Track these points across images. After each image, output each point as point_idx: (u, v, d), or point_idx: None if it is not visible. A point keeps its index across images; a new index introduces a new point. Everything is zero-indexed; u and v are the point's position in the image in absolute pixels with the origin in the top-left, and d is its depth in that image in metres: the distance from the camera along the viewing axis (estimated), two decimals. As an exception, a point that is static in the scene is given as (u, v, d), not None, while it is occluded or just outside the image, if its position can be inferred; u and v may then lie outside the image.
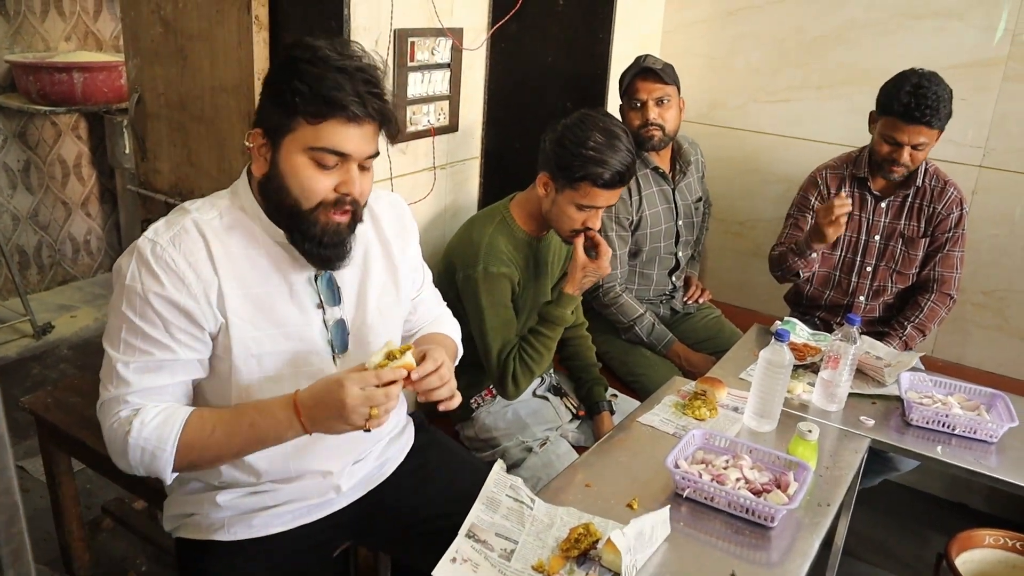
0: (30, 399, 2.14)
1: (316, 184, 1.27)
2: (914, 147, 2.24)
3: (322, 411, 1.23)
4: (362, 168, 1.31)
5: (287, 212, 1.29)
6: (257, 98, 1.92)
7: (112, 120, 3.92)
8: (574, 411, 2.26)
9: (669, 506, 1.42)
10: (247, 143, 1.32)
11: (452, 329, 1.71)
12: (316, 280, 1.38)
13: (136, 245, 1.27)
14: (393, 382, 1.23)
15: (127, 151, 3.88)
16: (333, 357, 1.42)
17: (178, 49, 2.06)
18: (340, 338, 1.42)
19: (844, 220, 2.15)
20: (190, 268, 1.26)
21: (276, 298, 1.35)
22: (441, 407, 1.36)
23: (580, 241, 1.96)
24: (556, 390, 2.29)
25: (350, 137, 1.25)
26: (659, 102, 2.40)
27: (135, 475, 1.32)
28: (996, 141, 2.67)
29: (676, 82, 2.44)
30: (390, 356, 1.28)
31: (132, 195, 3.67)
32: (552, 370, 2.34)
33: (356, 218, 1.34)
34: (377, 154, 1.33)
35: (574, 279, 1.97)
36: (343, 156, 1.27)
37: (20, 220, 3.98)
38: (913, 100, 2.16)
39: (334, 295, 1.41)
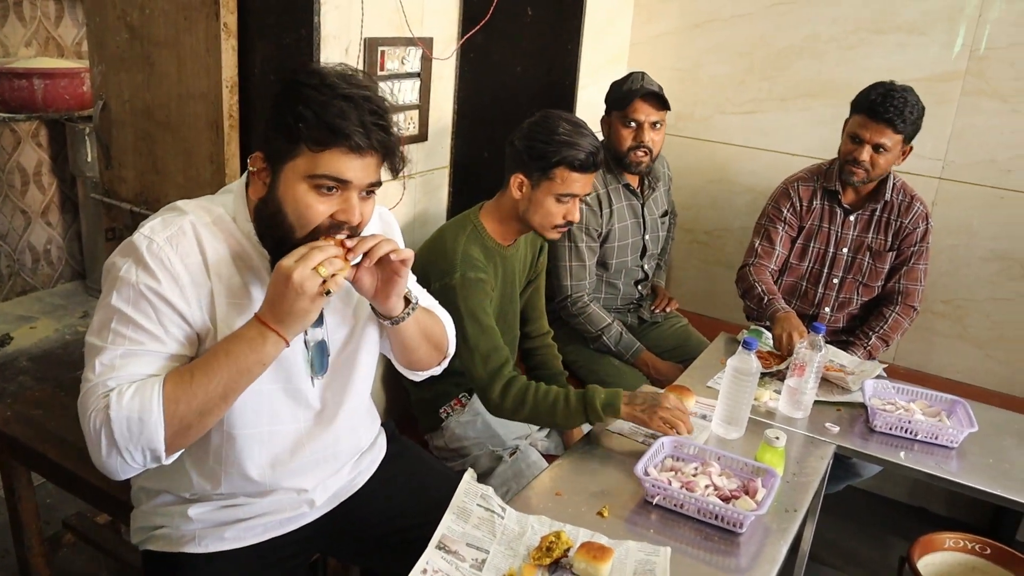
0: (-12, 412, 2.09)
1: (313, 211, 1.23)
2: (875, 148, 2.28)
3: (280, 304, 1.19)
4: (364, 195, 1.28)
5: (279, 238, 1.26)
6: (227, 106, 1.92)
7: (74, 128, 3.86)
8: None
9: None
10: (251, 167, 1.29)
11: (445, 317, 1.66)
12: None
13: (131, 241, 1.25)
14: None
15: (89, 159, 3.82)
16: (311, 378, 1.40)
17: (145, 56, 2.03)
18: (320, 360, 1.40)
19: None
20: (185, 270, 1.24)
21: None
22: (394, 256, 1.30)
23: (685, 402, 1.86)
24: None
25: (352, 167, 1.22)
26: (654, 126, 2.44)
27: (115, 479, 1.25)
28: (955, 154, 2.74)
29: (669, 107, 2.48)
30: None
31: (95, 204, 3.62)
32: None
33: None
34: (379, 183, 1.29)
35: (634, 409, 1.78)
36: (343, 183, 1.23)
37: (-22, 229, 3.90)
38: (880, 98, 2.24)
39: (318, 317, 1.37)
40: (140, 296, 1.22)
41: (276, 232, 1.26)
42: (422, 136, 2.32)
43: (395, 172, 1.31)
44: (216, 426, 1.32)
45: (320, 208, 1.24)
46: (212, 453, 1.36)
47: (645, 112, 2.41)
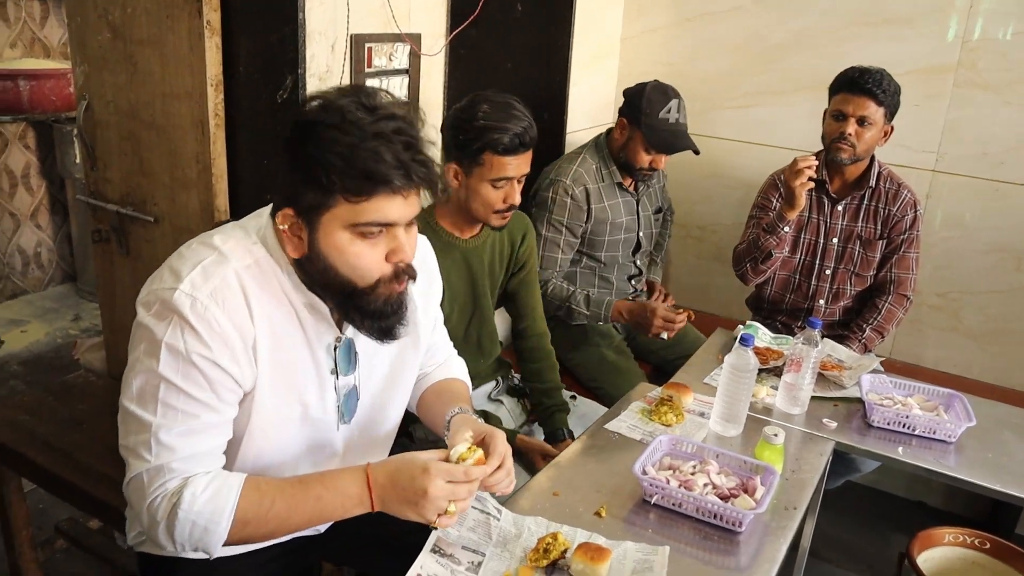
0: (-25, 417, 2.06)
1: (368, 261, 1.16)
2: (859, 122, 2.30)
3: (397, 494, 1.16)
4: (407, 225, 1.20)
5: (339, 290, 1.19)
6: (212, 105, 1.89)
7: (61, 129, 3.82)
8: (528, 413, 2.24)
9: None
10: (280, 225, 1.17)
11: (460, 370, 1.66)
12: (336, 348, 1.30)
13: (172, 301, 1.13)
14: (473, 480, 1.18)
15: (78, 160, 3.78)
16: (337, 424, 1.36)
17: (127, 55, 2.00)
18: (349, 405, 1.36)
19: (812, 175, 2.21)
20: (234, 329, 1.16)
21: (298, 365, 1.27)
22: (499, 494, 1.33)
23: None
24: (514, 391, 2.27)
25: (395, 207, 1.14)
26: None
27: (139, 535, 1.25)
28: (948, 146, 2.73)
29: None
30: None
31: (83, 205, 3.59)
32: (512, 371, 2.31)
33: (412, 280, 1.25)
34: (422, 210, 1.23)
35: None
36: (390, 225, 1.16)
37: (-35, 232, 3.87)
38: (858, 73, 2.29)
39: (351, 362, 1.33)
40: (191, 365, 1.13)
41: (333, 285, 1.19)
42: (412, 134, 2.29)
43: (436, 198, 1.24)
44: (241, 468, 1.28)
45: (375, 257, 1.17)
46: None
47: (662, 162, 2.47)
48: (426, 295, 1.47)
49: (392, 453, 1.66)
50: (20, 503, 2.12)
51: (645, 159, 2.44)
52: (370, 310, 1.21)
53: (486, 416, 2.08)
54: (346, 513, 1.20)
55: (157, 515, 1.14)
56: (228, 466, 1.27)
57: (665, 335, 2.37)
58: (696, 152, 2.44)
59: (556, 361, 2.26)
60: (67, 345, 3.72)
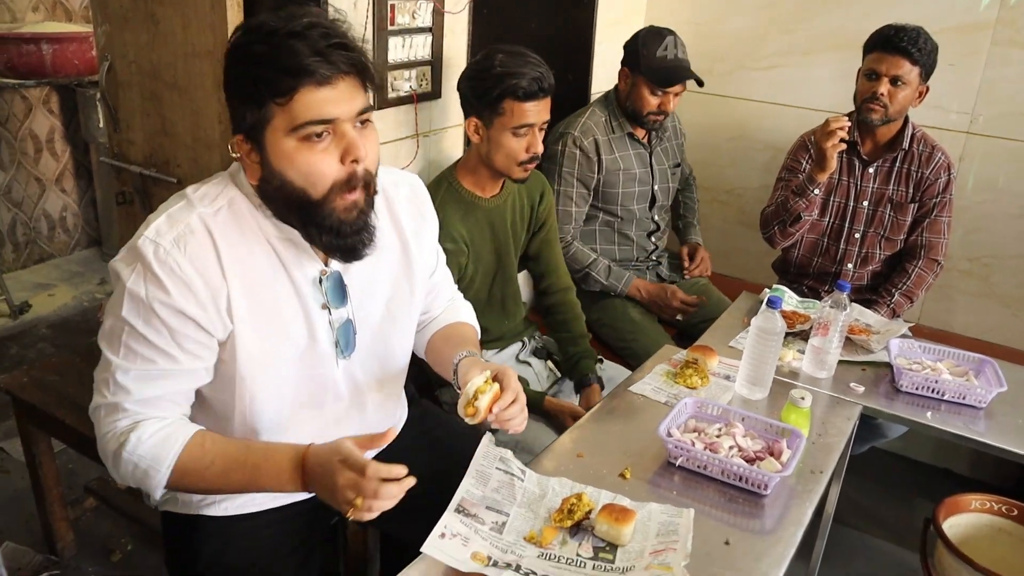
0: (5, 378, 2.09)
1: (318, 166, 1.14)
2: (892, 82, 2.24)
3: (319, 481, 1.16)
4: (360, 126, 1.18)
5: (297, 206, 1.17)
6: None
7: (84, 93, 3.82)
8: (557, 375, 2.24)
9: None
10: (233, 154, 1.19)
11: (468, 314, 1.66)
12: (322, 282, 1.29)
13: (136, 247, 1.16)
14: (393, 480, 1.12)
15: (101, 124, 3.79)
16: (336, 358, 1.35)
17: (148, 15, 1.98)
18: (346, 338, 1.35)
19: (844, 136, 2.17)
20: (197, 275, 1.16)
21: (282, 302, 1.27)
22: (511, 432, 1.32)
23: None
24: (540, 352, 2.27)
25: (328, 100, 1.12)
26: (678, 94, 2.45)
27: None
28: (984, 107, 2.66)
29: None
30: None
31: (107, 169, 3.60)
32: (537, 332, 2.32)
33: (371, 191, 1.22)
34: (370, 107, 1.18)
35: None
36: (330, 122, 1.13)
37: (-8, 197, 3.90)
38: (894, 31, 2.22)
39: (341, 295, 1.32)
40: (151, 312, 1.15)
41: (291, 202, 1.18)
42: (435, 94, 2.27)
43: (372, 86, 1.20)
44: (240, 414, 1.30)
45: (326, 161, 1.15)
46: (237, 436, 1.33)
47: (675, 88, 2.42)
48: (417, 232, 1.45)
49: (420, 418, 1.67)
50: (50, 463, 2.16)
51: (652, 102, 2.42)
52: (328, 225, 1.19)
53: None
54: (280, 487, 1.20)
55: (107, 449, 1.21)
56: (227, 411, 1.29)
57: (680, 317, 2.50)
58: (700, 83, 2.44)
59: (582, 313, 2.29)
60: (93, 308, 3.77)
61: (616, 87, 2.54)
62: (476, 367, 1.33)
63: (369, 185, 1.21)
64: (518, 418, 1.30)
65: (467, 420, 1.27)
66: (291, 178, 1.15)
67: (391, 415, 1.52)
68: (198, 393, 1.30)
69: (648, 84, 2.40)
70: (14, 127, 3.91)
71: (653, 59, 2.38)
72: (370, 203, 1.23)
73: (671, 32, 2.42)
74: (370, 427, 1.44)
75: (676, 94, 2.44)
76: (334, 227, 1.19)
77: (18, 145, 3.94)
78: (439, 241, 1.84)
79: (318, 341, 1.31)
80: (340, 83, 1.13)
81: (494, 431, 1.37)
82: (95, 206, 4.35)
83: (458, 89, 1.96)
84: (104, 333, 1.21)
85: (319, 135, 1.14)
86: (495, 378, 1.30)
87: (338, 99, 1.13)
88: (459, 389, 1.34)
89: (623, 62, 2.48)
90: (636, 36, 2.44)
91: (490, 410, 1.27)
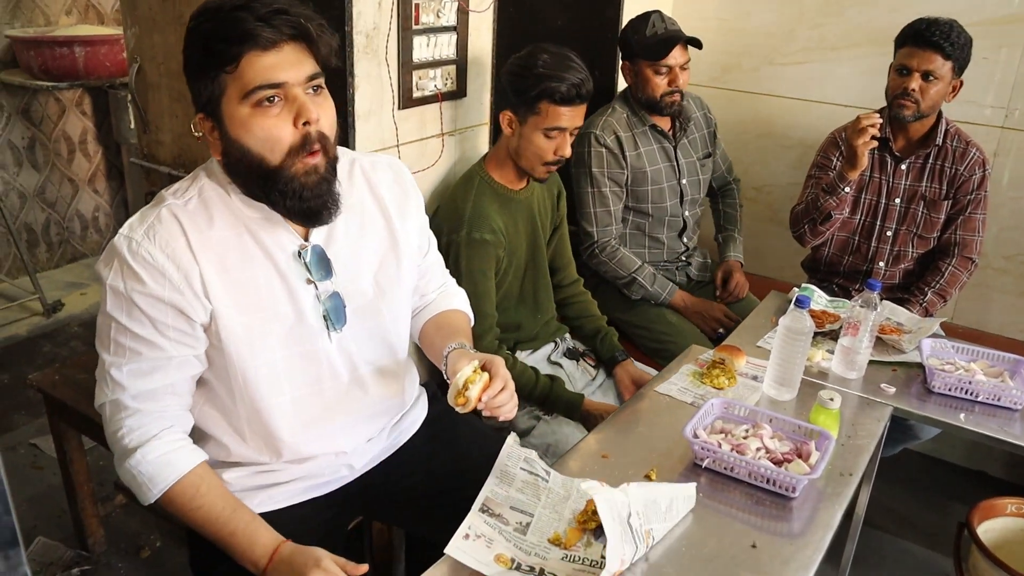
0: (37, 376, 2.12)
1: (272, 131, 1.17)
2: (924, 77, 2.19)
3: (282, 573, 1.22)
4: (313, 92, 1.21)
5: (258, 175, 1.21)
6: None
7: (116, 95, 3.87)
8: (592, 374, 2.24)
9: (695, 484, 1.37)
10: (195, 133, 1.24)
11: (461, 301, 1.67)
12: (302, 255, 1.31)
13: (112, 245, 1.22)
14: None
15: (132, 126, 3.84)
16: (328, 333, 1.36)
17: (177, 16, 2.00)
18: (336, 312, 1.35)
19: (875, 133, 2.13)
20: (168, 260, 1.20)
21: (261, 280, 1.28)
22: (501, 419, 1.33)
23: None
24: (572, 353, 2.26)
25: (273, 64, 1.15)
26: (683, 66, 2.40)
27: None
28: (1019, 101, 2.60)
29: (700, 45, 2.45)
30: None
31: (137, 170, 3.65)
32: (568, 334, 2.32)
33: (329, 155, 1.24)
34: (320, 74, 1.22)
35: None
36: (278, 87, 1.16)
37: (27, 198, 3.96)
38: (926, 25, 2.18)
39: (326, 268, 1.33)
40: (132, 304, 1.21)
41: (252, 172, 1.21)
42: (460, 92, 2.26)
43: (321, 57, 1.22)
44: (241, 398, 1.31)
45: (279, 126, 1.18)
46: (245, 423, 1.35)
47: (676, 57, 2.37)
48: (401, 208, 1.45)
49: (441, 416, 1.66)
50: (81, 460, 2.19)
51: (660, 81, 2.39)
52: (290, 189, 1.22)
53: (550, 379, 2.08)
54: (243, 559, 1.25)
55: (114, 449, 1.27)
56: (229, 397, 1.32)
57: (722, 330, 2.49)
58: (699, 46, 2.41)
59: (593, 299, 2.36)
60: (125, 307, 3.81)
61: (628, 86, 2.52)
62: (464, 358, 1.35)
63: (327, 149, 1.24)
64: (508, 405, 1.32)
65: (458, 409, 1.29)
66: (249, 145, 1.19)
67: (395, 396, 1.51)
68: (205, 383, 1.33)
69: (649, 64, 2.38)
70: (48, 129, 3.97)
71: (644, 38, 2.37)
72: (331, 168, 1.26)
73: (655, 10, 2.41)
74: (374, 409, 1.46)
75: (682, 67, 2.39)
76: (296, 191, 1.22)
77: (52, 146, 4.01)
78: (477, 232, 1.87)
79: (305, 315, 1.32)
80: (285, 47, 1.17)
81: (486, 418, 1.37)
82: (126, 207, 4.41)
83: (496, 81, 1.97)
84: (97, 334, 1.26)
85: (271, 99, 1.17)
86: (483, 367, 1.32)
87: (284, 63, 1.17)
88: (448, 379, 1.36)
89: (622, 58, 2.48)
90: (624, 29, 2.45)
91: (480, 399, 1.28)
